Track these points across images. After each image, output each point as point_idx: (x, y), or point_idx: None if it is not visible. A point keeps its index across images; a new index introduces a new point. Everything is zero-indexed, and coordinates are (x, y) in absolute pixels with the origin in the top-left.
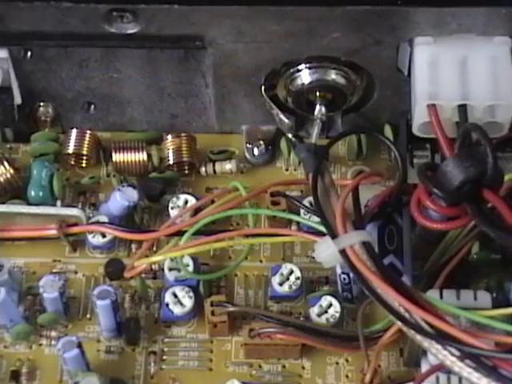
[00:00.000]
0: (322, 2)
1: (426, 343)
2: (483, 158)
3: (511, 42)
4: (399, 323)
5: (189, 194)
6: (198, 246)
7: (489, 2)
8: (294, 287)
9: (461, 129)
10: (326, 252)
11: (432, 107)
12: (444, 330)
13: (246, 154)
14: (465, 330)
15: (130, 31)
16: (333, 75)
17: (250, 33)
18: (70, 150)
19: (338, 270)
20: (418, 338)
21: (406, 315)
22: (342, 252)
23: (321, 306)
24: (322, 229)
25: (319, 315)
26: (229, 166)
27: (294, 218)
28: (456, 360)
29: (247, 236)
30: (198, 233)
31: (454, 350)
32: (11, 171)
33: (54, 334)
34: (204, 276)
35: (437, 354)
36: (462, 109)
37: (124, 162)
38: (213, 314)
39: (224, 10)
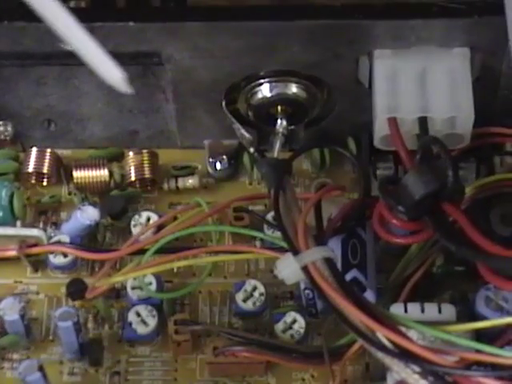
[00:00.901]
0: (279, 17)
1: (387, 360)
2: (443, 172)
3: (470, 53)
4: (361, 340)
5: (151, 210)
6: (160, 265)
7: (446, 14)
8: (258, 303)
9: (420, 142)
10: (288, 269)
11: (392, 120)
12: (406, 348)
13: (209, 169)
14: (426, 347)
15: None
16: (293, 89)
17: (207, 48)
18: (30, 168)
19: (302, 286)
20: (380, 355)
21: (368, 333)
22: (304, 269)
23: (285, 322)
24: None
25: (284, 331)
26: (191, 181)
27: (257, 234)
28: (418, 377)
29: (210, 253)
30: (160, 250)
31: (415, 368)
32: None
33: (15, 356)
34: (167, 295)
35: (399, 371)
36: (423, 121)
37: (85, 179)
38: (176, 332)
39: (179, 27)
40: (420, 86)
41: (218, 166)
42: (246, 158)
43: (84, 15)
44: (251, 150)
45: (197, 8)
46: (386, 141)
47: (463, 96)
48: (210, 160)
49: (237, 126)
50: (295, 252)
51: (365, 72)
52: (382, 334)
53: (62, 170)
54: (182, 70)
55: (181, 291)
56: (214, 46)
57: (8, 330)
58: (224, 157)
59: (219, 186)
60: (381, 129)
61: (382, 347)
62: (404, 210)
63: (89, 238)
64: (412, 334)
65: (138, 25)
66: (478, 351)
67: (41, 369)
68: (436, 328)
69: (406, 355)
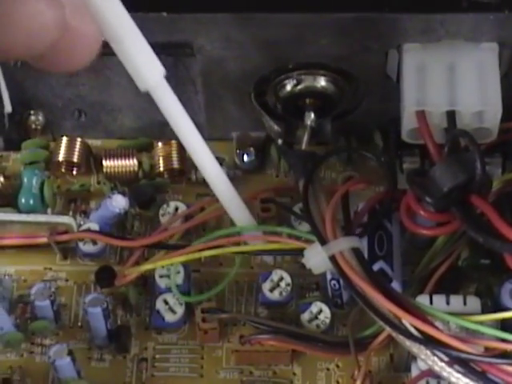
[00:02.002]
0: (310, 9)
1: (415, 349)
2: (471, 164)
3: (498, 48)
4: (388, 329)
5: (179, 201)
6: (188, 254)
7: (476, 8)
8: (284, 293)
9: (449, 135)
10: (316, 258)
11: (420, 113)
12: (433, 336)
13: (236, 161)
14: (454, 336)
15: None
16: (322, 82)
17: (238, 40)
18: (61, 157)
19: (328, 276)
20: (407, 343)
21: (395, 321)
22: (332, 258)
23: (311, 312)
24: (311, 237)
25: (310, 321)
26: None
27: (284, 230)
28: (444, 365)
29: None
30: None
31: (442, 356)
32: (1, 179)
33: (45, 341)
34: (196, 297)
35: (426, 359)
36: (451, 115)
37: (114, 169)
38: (203, 320)
39: (212, 18)
40: (448, 80)
41: (246, 157)
42: (273, 150)
43: None
44: (279, 141)
45: None
46: (414, 134)
47: (491, 90)
48: (238, 152)
49: (265, 117)
50: (323, 242)
51: (393, 65)
52: (410, 323)
53: (91, 160)
54: (212, 62)
55: (211, 292)
56: (244, 37)
57: (38, 315)
58: (251, 149)
59: (246, 177)
60: (409, 122)
61: (409, 335)
62: (432, 201)
63: (117, 227)
64: (437, 324)
65: (171, 15)
66: (504, 340)
67: (70, 353)
68: (462, 318)
69: (433, 343)
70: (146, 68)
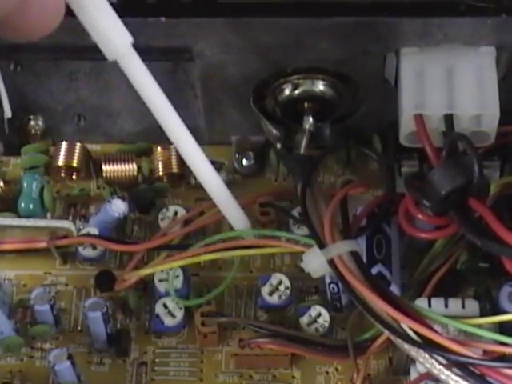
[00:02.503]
0: (308, 14)
1: (413, 352)
2: (469, 168)
3: (496, 52)
4: (387, 332)
5: (179, 205)
6: (187, 258)
7: (474, 13)
8: (283, 297)
9: (447, 138)
10: (315, 262)
11: (418, 117)
12: (431, 339)
13: (236, 165)
14: (452, 339)
15: None
16: (320, 86)
17: (237, 45)
18: (61, 162)
19: (327, 280)
20: (406, 346)
21: (394, 324)
22: (331, 262)
23: (310, 315)
24: (309, 241)
25: (309, 325)
26: None
27: (282, 234)
28: (443, 368)
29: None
30: (188, 246)
31: (440, 359)
32: (1, 184)
33: (45, 346)
34: (195, 301)
35: (424, 362)
36: (449, 118)
37: (114, 173)
38: (203, 324)
39: (211, 23)
40: (446, 84)
41: (245, 162)
42: (272, 155)
43: (115, 10)
44: (278, 145)
45: (227, 4)
46: (412, 138)
47: (489, 94)
48: (237, 156)
49: (264, 121)
50: (321, 245)
51: (391, 69)
52: (408, 326)
53: (91, 164)
54: (211, 66)
55: (210, 294)
56: (243, 42)
57: (38, 319)
58: (250, 153)
59: (245, 181)
60: (407, 126)
61: (407, 338)
62: (430, 204)
63: (117, 231)
64: (436, 328)
65: (170, 20)
66: (503, 343)
67: (70, 357)
68: (460, 321)
69: (431, 346)
70: (114, 36)
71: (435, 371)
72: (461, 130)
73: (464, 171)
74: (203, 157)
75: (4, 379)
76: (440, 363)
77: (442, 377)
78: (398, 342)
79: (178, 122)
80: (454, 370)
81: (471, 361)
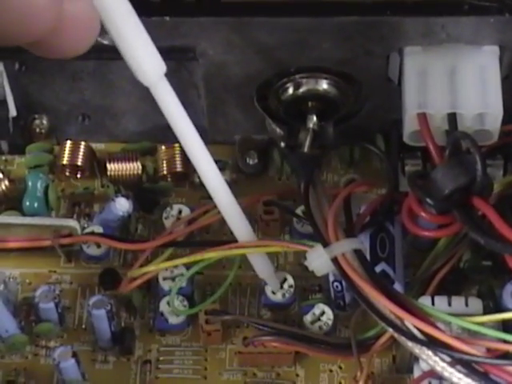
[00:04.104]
0: (311, 13)
1: (416, 349)
2: (473, 166)
3: (499, 51)
4: (390, 330)
5: (183, 204)
6: (191, 257)
7: (477, 12)
8: (287, 295)
9: (450, 137)
10: (318, 260)
11: (422, 116)
12: (435, 337)
13: (239, 164)
14: (456, 337)
15: None
16: (324, 85)
17: (240, 44)
18: (65, 161)
19: (331, 278)
20: (409, 344)
21: (397, 322)
22: (334, 260)
23: (314, 313)
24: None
25: (312, 323)
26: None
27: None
28: (446, 366)
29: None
30: (192, 243)
31: (444, 356)
32: (6, 183)
33: (49, 344)
34: (199, 307)
35: (427, 360)
36: (452, 117)
37: (118, 172)
38: (207, 322)
39: (214, 22)
40: (450, 83)
41: (248, 161)
42: (275, 154)
43: None
44: (282, 144)
45: (231, 3)
46: (416, 137)
47: (492, 93)
48: (240, 155)
49: (268, 120)
50: (325, 244)
51: (395, 69)
52: (412, 324)
53: (95, 163)
54: (214, 66)
55: (213, 297)
56: (246, 41)
57: (42, 317)
58: (254, 152)
59: (249, 180)
60: (410, 124)
61: (411, 336)
62: (433, 203)
63: (121, 230)
64: (439, 326)
65: (174, 19)
66: (506, 342)
67: (75, 355)
68: (464, 319)
69: (435, 344)
70: (148, 63)
71: (439, 369)
72: (464, 128)
73: (467, 170)
74: (209, 156)
75: (9, 377)
76: (444, 361)
77: (446, 374)
78: (402, 339)
79: (204, 151)
80: (458, 367)
81: (475, 358)
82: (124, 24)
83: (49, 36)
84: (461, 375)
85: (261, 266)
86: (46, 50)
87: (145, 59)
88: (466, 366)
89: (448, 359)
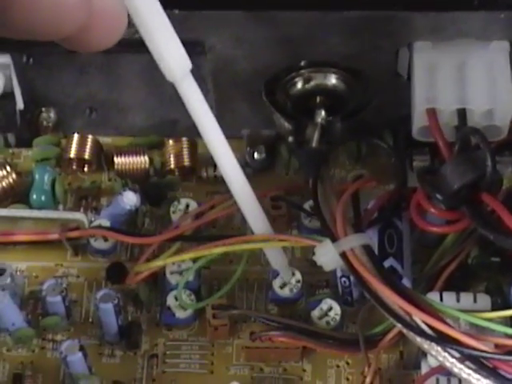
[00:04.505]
0: (321, 7)
1: (425, 345)
2: (482, 162)
3: (509, 47)
4: (399, 325)
5: (190, 198)
6: (198, 250)
7: (487, 7)
8: (294, 290)
9: (459, 132)
10: (327, 255)
11: (431, 111)
12: (444, 332)
13: (247, 159)
14: (465, 332)
15: (131, 37)
16: (332, 80)
17: (248, 38)
18: (72, 154)
19: (339, 274)
20: (418, 340)
21: (406, 317)
22: (343, 255)
23: (321, 309)
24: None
25: (320, 318)
26: None
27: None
28: (455, 361)
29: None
30: (199, 238)
31: (453, 352)
32: (13, 176)
33: (56, 337)
34: (207, 301)
35: (436, 355)
36: (461, 113)
37: (125, 166)
38: (214, 317)
39: (223, 16)
40: (459, 78)
41: (256, 155)
42: (283, 149)
43: None
44: (290, 139)
45: None
46: (424, 132)
47: (502, 89)
48: (248, 150)
49: (276, 115)
50: (333, 239)
51: (404, 64)
52: (421, 319)
53: (102, 157)
54: (223, 60)
55: (220, 292)
56: (255, 35)
57: (49, 311)
58: (262, 147)
59: (256, 175)
60: (419, 120)
61: (420, 332)
62: (442, 198)
63: (128, 224)
64: (448, 322)
65: (183, 13)
66: None
67: (82, 349)
68: (472, 315)
69: (444, 340)
70: (173, 60)
71: (448, 365)
72: (473, 124)
73: (476, 166)
74: (230, 153)
75: (15, 370)
76: (453, 356)
77: (455, 370)
78: (411, 335)
79: (227, 147)
80: (467, 363)
81: (484, 354)
82: (152, 20)
83: (79, 32)
84: (470, 371)
85: (275, 256)
86: (75, 44)
87: (170, 56)
88: (475, 361)
89: (457, 355)
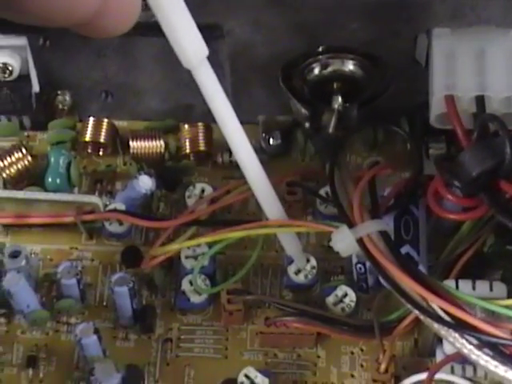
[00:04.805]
0: None
1: (443, 332)
2: (501, 149)
3: None
4: (416, 312)
5: (205, 183)
6: (214, 235)
7: None
8: (309, 276)
9: (478, 119)
10: (343, 241)
11: (449, 98)
12: (462, 319)
13: (262, 144)
14: (483, 319)
15: (147, 20)
16: (350, 66)
17: (267, 23)
18: (88, 138)
19: (354, 260)
20: (436, 326)
21: (423, 304)
22: (359, 241)
23: (336, 295)
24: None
25: (335, 304)
26: None
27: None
28: (473, 348)
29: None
30: (214, 223)
31: (471, 339)
32: (29, 158)
33: (70, 320)
34: (222, 286)
35: (454, 342)
36: (480, 100)
37: (141, 150)
38: (229, 302)
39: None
40: (478, 65)
41: (272, 141)
42: (299, 134)
43: None
44: (307, 125)
45: None
46: (442, 119)
47: None
48: (264, 135)
49: (293, 101)
50: (350, 225)
51: (422, 50)
52: (438, 306)
53: (118, 140)
54: (241, 45)
55: (235, 277)
56: (274, 20)
57: (64, 293)
58: (277, 132)
59: (272, 161)
60: (437, 107)
61: (437, 318)
62: (460, 185)
63: (142, 208)
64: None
65: None
66: None
67: (97, 332)
68: (489, 301)
69: (461, 326)
70: (190, 46)
71: (465, 351)
72: (492, 111)
73: (495, 152)
74: (246, 139)
75: (30, 352)
76: (470, 343)
77: (473, 357)
78: (428, 321)
79: (243, 136)
80: (485, 350)
81: (502, 341)
82: (169, 6)
83: (93, 18)
84: (488, 358)
85: (289, 242)
86: (90, 30)
87: (187, 42)
88: (493, 348)
89: (475, 342)
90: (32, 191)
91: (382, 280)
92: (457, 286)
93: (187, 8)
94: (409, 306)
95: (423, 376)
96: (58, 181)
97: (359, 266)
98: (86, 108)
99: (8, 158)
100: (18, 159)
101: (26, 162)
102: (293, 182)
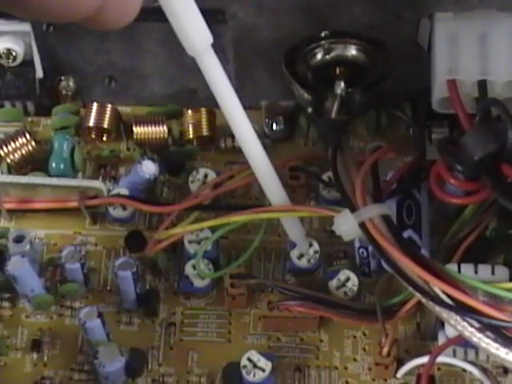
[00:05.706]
0: None
1: (444, 314)
2: (503, 133)
3: None
4: (418, 295)
5: (208, 168)
6: (217, 219)
7: None
8: (312, 260)
9: (481, 104)
10: (346, 225)
11: (452, 82)
12: (463, 302)
13: (265, 129)
14: (484, 302)
15: (151, 5)
16: (353, 51)
17: (271, 7)
18: (91, 123)
19: (357, 244)
20: (437, 309)
21: (426, 287)
22: (362, 225)
23: (339, 279)
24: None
25: (337, 288)
26: None
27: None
28: (475, 331)
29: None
30: (217, 207)
31: (472, 321)
32: (33, 143)
33: (74, 304)
34: (225, 270)
35: (455, 325)
36: (482, 84)
37: (144, 135)
38: (232, 286)
39: None
40: (480, 50)
41: (275, 126)
42: (302, 119)
43: None
44: (309, 110)
45: None
46: (445, 103)
47: None
48: (267, 120)
49: (295, 86)
50: (353, 209)
51: (425, 35)
52: (440, 289)
53: (121, 126)
54: (244, 29)
55: (237, 261)
56: (277, 4)
57: (68, 277)
58: (280, 117)
59: (275, 146)
60: (440, 91)
61: (439, 301)
62: (462, 169)
63: (146, 193)
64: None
65: None
66: None
67: (100, 315)
68: (491, 285)
69: (463, 309)
70: (194, 34)
71: (467, 334)
72: (494, 95)
73: (497, 136)
74: (250, 126)
75: (34, 336)
76: (472, 326)
77: (474, 339)
78: (430, 304)
79: (246, 122)
80: (486, 332)
81: (504, 324)
82: None
83: (96, 12)
84: (489, 340)
85: (292, 227)
86: (92, 23)
87: (192, 30)
88: (495, 331)
89: (476, 324)
90: (36, 176)
91: (384, 264)
92: (459, 270)
93: None
94: (411, 289)
95: (425, 359)
96: (61, 166)
97: (362, 250)
98: (90, 93)
99: (12, 144)
100: (22, 144)
101: (30, 148)
102: (296, 166)
